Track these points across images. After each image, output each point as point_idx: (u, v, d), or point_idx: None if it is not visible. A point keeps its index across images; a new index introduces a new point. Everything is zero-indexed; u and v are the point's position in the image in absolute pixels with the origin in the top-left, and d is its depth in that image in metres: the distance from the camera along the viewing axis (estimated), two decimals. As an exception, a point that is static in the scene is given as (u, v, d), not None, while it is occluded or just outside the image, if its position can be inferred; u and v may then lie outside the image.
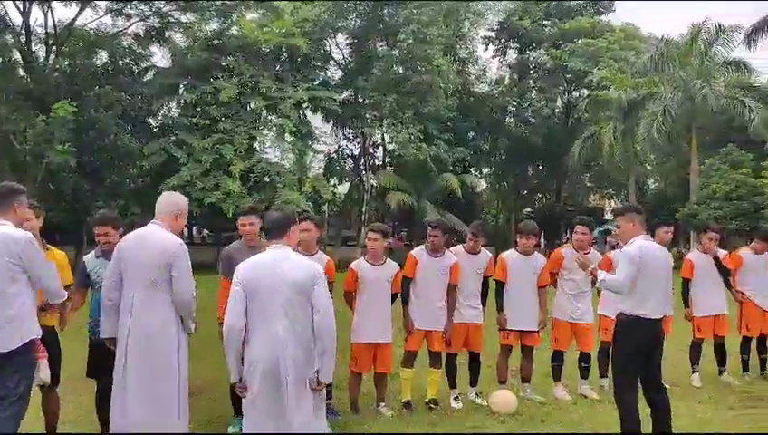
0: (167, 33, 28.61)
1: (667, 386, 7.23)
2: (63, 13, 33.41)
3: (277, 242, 4.15)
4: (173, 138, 26.30)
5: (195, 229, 37.35)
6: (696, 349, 7.57)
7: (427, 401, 6.49)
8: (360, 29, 31.08)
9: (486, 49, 38.82)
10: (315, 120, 31.83)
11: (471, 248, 6.74)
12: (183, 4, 26.80)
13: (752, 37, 29.88)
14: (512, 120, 37.67)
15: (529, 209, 43.63)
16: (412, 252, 6.67)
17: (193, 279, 4.63)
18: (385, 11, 29.53)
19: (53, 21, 25.96)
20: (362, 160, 33.54)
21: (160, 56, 29.87)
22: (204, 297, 5.47)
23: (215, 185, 24.75)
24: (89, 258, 5.39)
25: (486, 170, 40.20)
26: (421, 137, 28.86)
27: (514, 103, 37.12)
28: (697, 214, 26.96)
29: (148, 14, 27.53)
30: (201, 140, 25.49)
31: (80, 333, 5.39)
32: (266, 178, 26.47)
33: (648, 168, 38.68)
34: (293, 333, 3.94)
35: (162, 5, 27.31)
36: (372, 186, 31.98)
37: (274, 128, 27.90)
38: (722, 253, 7.70)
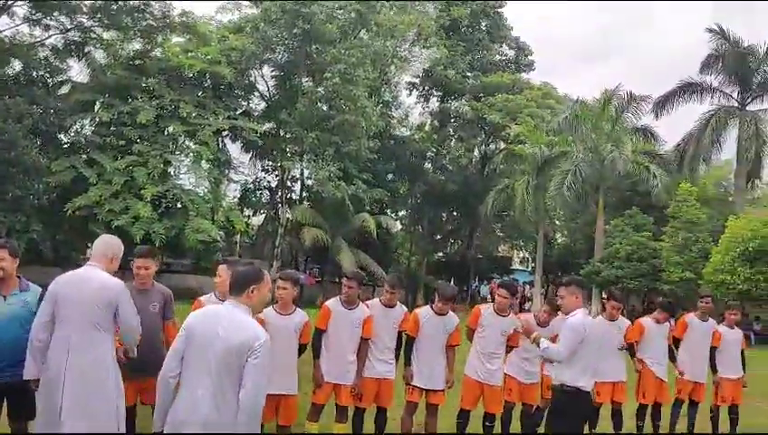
0: (87, 49, 27.70)
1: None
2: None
3: (234, 299, 3.81)
4: (84, 156, 25.38)
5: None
6: (594, 413, 7.74)
7: (330, 455, 6.38)
8: (287, 63, 31.12)
9: (410, 95, 39.85)
10: (234, 149, 31.54)
11: (388, 301, 6.71)
12: (106, 21, 26.04)
13: (659, 107, 31.75)
14: (430, 165, 38.45)
15: (441, 254, 44.30)
16: (326, 303, 6.59)
17: (137, 315, 4.76)
18: (313, 48, 29.69)
19: (-35, 25, 24.82)
20: (279, 194, 33.31)
21: (78, 71, 28.89)
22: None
23: (124, 208, 23.94)
24: None
25: (402, 213, 40.75)
26: (340, 175, 29.00)
27: (434, 150, 37.94)
28: (600, 272, 28.03)
29: (68, 27, 26.61)
30: (114, 160, 24.71)
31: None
32: (179, 205, 25.83)
33: (557, 223, 40.09)
34: (214, 398, 3.60)
35: (84, 20, 26.50)
36: (288, 220, 31.75)
37: (191, 154, 27.32)
38: (625, 323, 7.98)
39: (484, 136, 38.77)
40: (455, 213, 41.27)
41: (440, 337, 6.77)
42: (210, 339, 3.67)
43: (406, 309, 6.90)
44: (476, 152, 40.03)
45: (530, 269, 45.10)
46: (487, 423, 7.10)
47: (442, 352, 6.79)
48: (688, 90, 31.77)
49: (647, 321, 8.17)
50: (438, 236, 42.97)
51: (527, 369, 7.29)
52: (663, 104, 31.84)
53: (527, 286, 38.48)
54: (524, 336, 6.45)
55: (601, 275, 27.84)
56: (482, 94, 36.25)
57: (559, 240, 43.56)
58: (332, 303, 6.51)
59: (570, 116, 29.92)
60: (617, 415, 7.84)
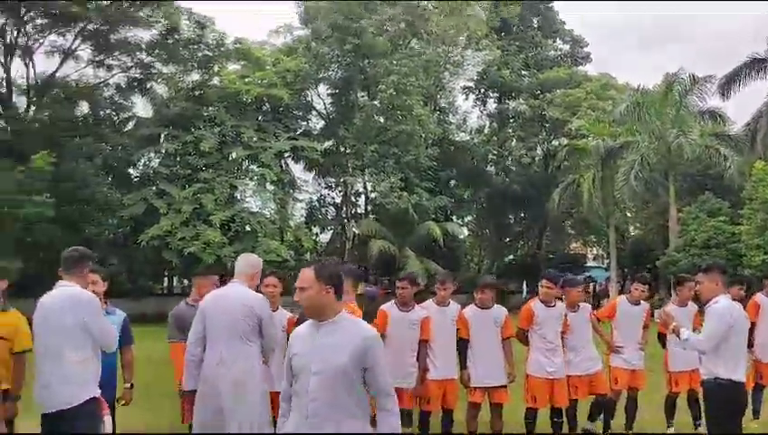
0: (148, 84, 28.77)
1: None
2: (45, 64, 33.61)
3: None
4: (153, 188, 26.24)
5: (175, 280, 36.69)
6: (671, 403, 7.48)
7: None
8: (341, 80, 31.45)
9: (466, 99, 39.53)
10: (297, 169, 32.03)
11: (441, 298, 6.66)
12: (165, 55, 26.97)
13: (725, 87, 30.58)
14: (492, 168, 38.06)
15: (511, 257, 43.72)
16: (382, 307, 6.58)
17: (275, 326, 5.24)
18: (366, 62, 29.92)
19: (34, 72, 26.16)
20: (344, 209, 33.59)
21: (141, 106, 30.06)
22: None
23: (194, 235, 24.58)
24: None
25: (468, 218, 40.39)
26: (402, 185, 29.03)
27: (495, 152, 37.50)
28: (677, 261, 27.09)
29: (129, 65, 27.71)
30: (181, 189, 25.47)
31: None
32: (247, 228, 26.34)
33: (628, 215, 38.98)
34: None
35: (144, 56, 27.50)
36: (354, 234, 31.95)
37: (256, 177, 27.96)
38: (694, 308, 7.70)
39: (545, 133, 38.15)
40: (522, 214, 40.68)
41: (492, 331, 6.63)
42: None
43: (459, 306, 6.82)
44: (539, 150, 39.39)
45: (605, 265, 44.03)
46: (555, 419, 6.91)
47: (498, 347, 6.63)
48: (755, 67, 30.42)
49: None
50: (507, 239, 42.41)
51: (575, 362, 7.03)
52: (729, 84, 30.57)
53: (604, 283, 37.55)
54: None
55: (678, 265, 26.89)
56: (539, 91, 35.77)
57: (632, 232, 42.35)
58: (388, 306, 6.51)
59: (631, 105, 29.11)
60: (694, 403, 7.50)
